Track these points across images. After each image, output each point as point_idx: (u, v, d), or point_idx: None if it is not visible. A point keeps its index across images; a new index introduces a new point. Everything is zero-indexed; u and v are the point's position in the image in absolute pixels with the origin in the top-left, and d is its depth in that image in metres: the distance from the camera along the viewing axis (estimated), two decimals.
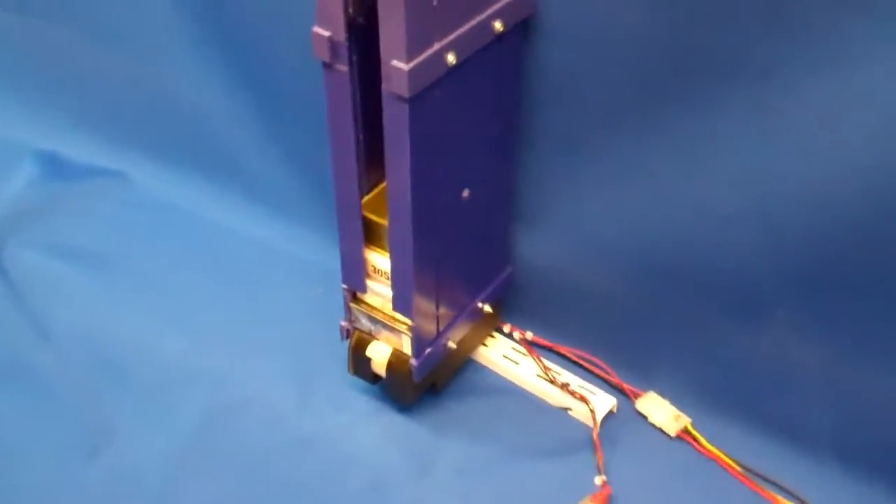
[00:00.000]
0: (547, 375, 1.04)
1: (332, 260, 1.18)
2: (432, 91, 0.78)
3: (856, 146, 0.78)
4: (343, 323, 0.98)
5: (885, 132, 0.76)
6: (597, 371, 1.05)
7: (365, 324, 0.96)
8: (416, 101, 0.77)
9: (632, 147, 0.90)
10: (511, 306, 1.07)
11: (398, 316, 0.93)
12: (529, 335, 1.07)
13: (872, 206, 0.79)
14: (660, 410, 1.01)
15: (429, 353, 0.95)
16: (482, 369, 1.07)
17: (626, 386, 1.03)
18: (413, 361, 0.94)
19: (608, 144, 0.91)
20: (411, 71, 0.74)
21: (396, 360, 0.95)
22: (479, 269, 1.00)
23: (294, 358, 1.08)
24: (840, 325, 0.88)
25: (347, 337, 0.99)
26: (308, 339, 1.09)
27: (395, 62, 0.75)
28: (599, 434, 0.99)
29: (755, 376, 0.96)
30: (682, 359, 1.00)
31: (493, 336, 1.09)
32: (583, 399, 1.01)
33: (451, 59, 0.78)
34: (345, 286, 0.95)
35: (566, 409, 1.03)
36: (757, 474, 0.96)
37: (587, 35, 0.85)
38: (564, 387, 1.02)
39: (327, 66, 0.79)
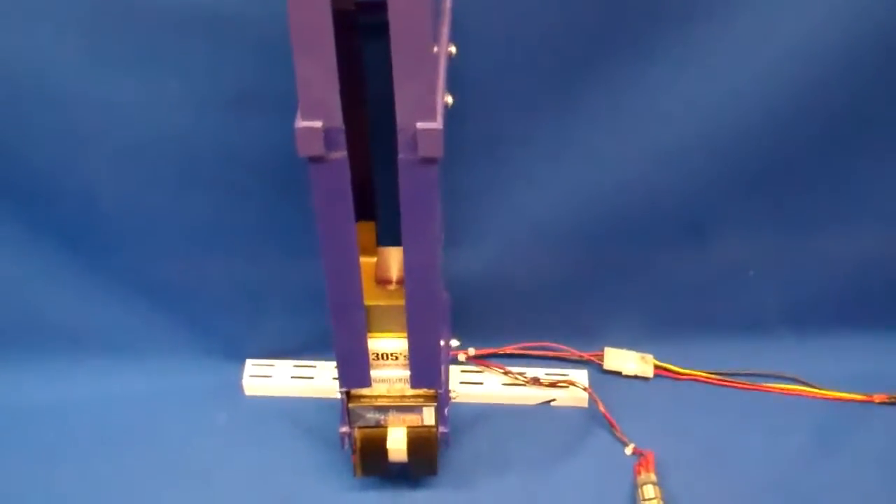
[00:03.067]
0: (515, 380, 1.00)
1: (202, 376, 1.03)
2: None
3: (782, 61, 0.83)
4: (343, 429, 0.86)
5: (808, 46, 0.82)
6: (551, 353, 1.03)
7: (371, 417, 0.85)
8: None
9: (557, 124, 0.88)
10: None
11: (410, 392, 0.84)
12: (472, 351, 1.02)
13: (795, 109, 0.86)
14: (626, 361, 1.03)
15: (448, 413, 0.87)
16: (451, 405, 0.99)
17: (584, 355, 1.03)
18: (443, 429, 0.86)
19: (533, 130, 0.88)
20: (444, 128, 0.65)
21: (418, 437, 0.86)
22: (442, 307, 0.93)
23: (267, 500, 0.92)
24: (782, 214, 0.95)
25: (350, 441, 0.87)
26: (265, 473, 0.94)
27: (423, 124, 0.65)
28: (590, 406, 0.99)
29: (702, 291, 1.01)
30: (628, 304, 1.02)
31: None
32: (567, 383, 0.99)
33: (449, 100, 0.70)
34: (342, 390, 0.83)
35: (549, 401, 1.00)
36: (737, 374, 1.01)
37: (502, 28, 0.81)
38: (536, 381, 1.00)
39: (316, 159, 0.67)
